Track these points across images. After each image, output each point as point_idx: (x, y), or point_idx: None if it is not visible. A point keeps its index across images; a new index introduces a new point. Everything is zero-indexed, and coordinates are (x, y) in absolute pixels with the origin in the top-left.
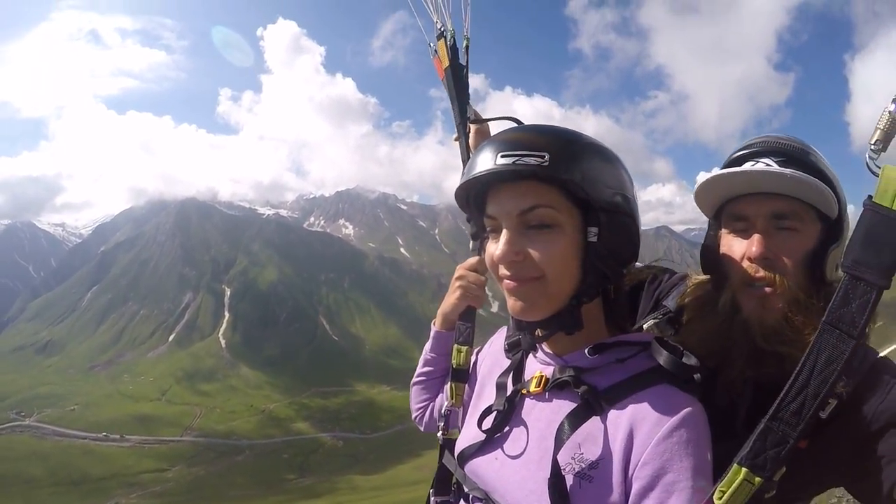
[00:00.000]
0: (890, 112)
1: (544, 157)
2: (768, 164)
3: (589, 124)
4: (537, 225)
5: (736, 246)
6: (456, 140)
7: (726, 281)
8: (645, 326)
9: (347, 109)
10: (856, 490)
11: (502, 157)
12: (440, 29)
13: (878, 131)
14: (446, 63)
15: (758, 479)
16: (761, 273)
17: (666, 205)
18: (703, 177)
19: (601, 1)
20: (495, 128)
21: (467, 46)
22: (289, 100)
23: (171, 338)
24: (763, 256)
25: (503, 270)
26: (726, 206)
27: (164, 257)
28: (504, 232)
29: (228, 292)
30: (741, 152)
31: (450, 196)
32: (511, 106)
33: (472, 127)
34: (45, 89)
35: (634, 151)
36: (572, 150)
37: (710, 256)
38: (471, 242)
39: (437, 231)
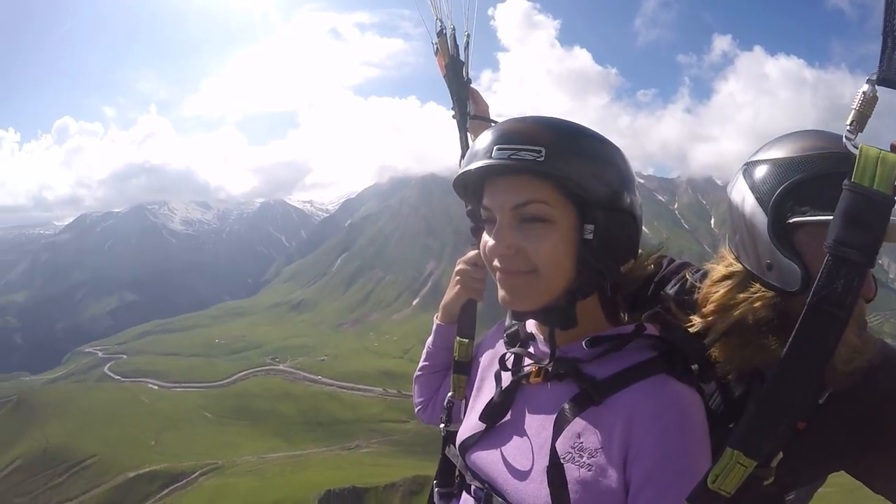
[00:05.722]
0: (864, 93)
1: (541, 151)
2: None
3: (846, 87)
4: (530, 219)
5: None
6: (452, 117)
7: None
8: (644, 318)
9: (586, 81)
10: (856, 471)
11: (499, 149)
12: (440, 26)
13: (854, 112)
14: (446, 59)
15: (750, 462)
16: None
17: None
18: None
19: None
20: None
21: (468, 43)
22: (526, 75)
23: (415, 302)
24: None
25: (495, 262)
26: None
27: (408, 229)
28: (497, 225)
29: None
30: None
31: (695, 168)
32: (763, 68)
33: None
34: (292, 85)
35: None
36: (571, 145)
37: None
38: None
39: (676, 206)
